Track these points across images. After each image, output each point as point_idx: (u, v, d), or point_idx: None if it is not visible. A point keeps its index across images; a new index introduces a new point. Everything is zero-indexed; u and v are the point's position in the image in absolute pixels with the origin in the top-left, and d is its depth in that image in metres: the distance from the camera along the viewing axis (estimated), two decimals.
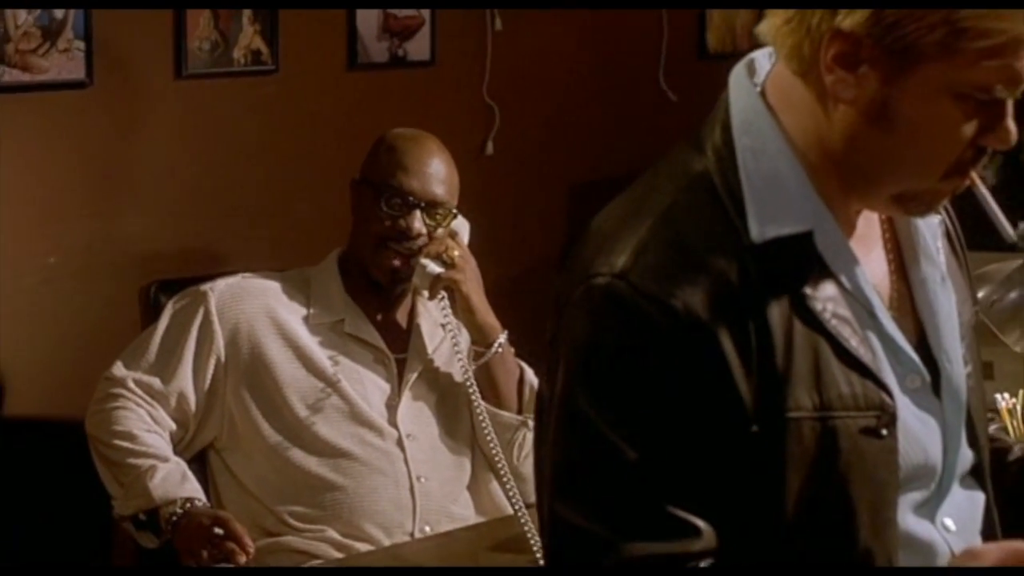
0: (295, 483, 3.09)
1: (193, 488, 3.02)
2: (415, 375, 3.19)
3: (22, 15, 3.55)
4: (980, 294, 2.85)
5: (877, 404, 1.73)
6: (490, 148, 4.40)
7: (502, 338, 3.20)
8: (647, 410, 1.68)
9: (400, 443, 3.13)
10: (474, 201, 4.33)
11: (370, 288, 3.22)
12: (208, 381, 3.12)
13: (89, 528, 3.55)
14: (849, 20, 1.67)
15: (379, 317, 3.23)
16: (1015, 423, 3.00)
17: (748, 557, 1.71)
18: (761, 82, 1.80)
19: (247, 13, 3.89)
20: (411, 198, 3.15)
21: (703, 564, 1.69)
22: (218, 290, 3.17)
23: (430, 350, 3.22)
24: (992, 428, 2.11)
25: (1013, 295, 2.84)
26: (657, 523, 1.68)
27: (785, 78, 1.77)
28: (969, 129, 1.70)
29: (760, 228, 1.71)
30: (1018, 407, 3.02)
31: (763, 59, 1.83)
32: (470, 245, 3.25)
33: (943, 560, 1.79)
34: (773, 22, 1.74)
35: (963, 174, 1.74)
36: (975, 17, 1.65)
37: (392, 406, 3.16)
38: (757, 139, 1.76)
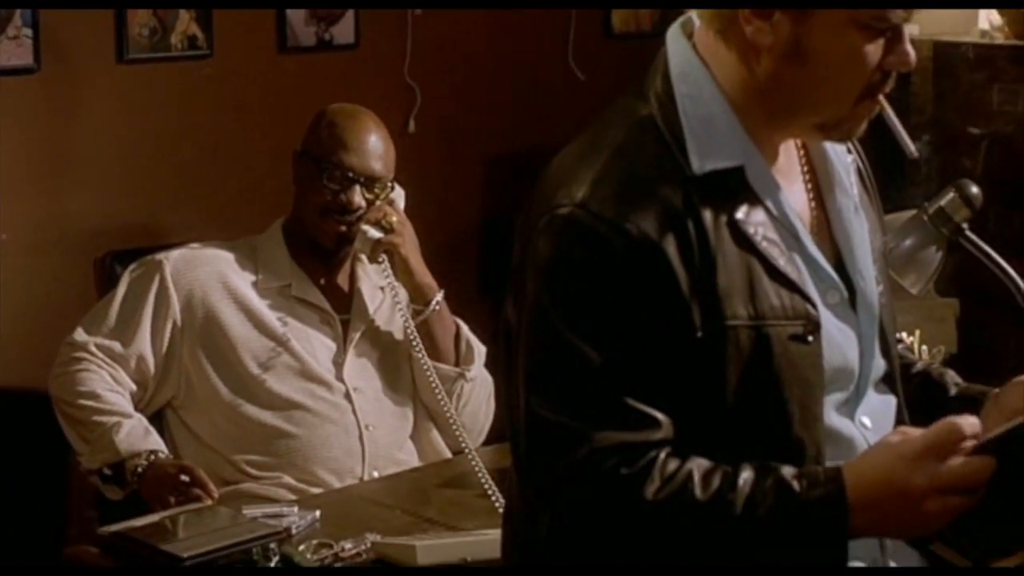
0: (251, 435, 3.23)
1: (156, 441, 3.16)
2: (358, 334, 3.35)
3: None
4: None
5: (803, 314, 1.96)
6: (412, 126, 4.49)
7: (439, 296, 3.38)
8: (608, 319, 1.89)
9: (348, 396, 3.29)
10: (398, 175, 4.42)
11: (314, 253, 3.37)
12: (165, 344, 3.25)
13: (47, 488, 3.70)
14: None
15: (323, 281, 3.38)
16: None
17: (698, 445, 1.92)
18: (694, 40, 2.03)
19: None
20: (351, 174, 3.30)
21: (663, 451, 1.90)
22: (172, 258, 3.30)
23: (371, 310, 3.38)
24: (899, 348, 2.35)
25: (908, 242, 2.99)
26: (622, 415, 1.89)
27: (709, 36, 2.00)
28: (873, 55, 1.93)
29: (700, 162, 1.94)
30: (915, 344, 3.26)
31: (697, 19, 2.04)
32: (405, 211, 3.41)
33: (862, 450, 2.01)
34: None
35: (873, 97, 1.97)
36: None
37: (339, 363, 3.32)
38: (693, 87, 1.98)
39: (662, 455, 1.91)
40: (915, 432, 1.93)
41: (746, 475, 1.89)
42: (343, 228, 3.32)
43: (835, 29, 1.92)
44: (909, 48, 1.97)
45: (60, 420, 3.24)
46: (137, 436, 3.15)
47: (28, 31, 3.76)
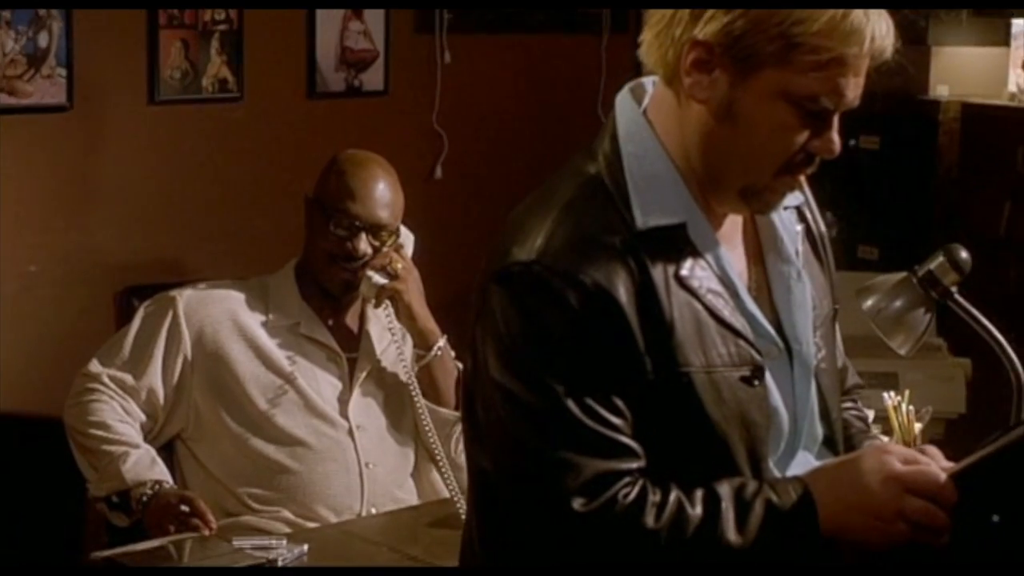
0: (255, 468, 3.31)
1: (161, 471, 3.24)
2: (364, 373, 3.42)
3: (9, 43, 3.78)
4: (868, 303, 3.07)
5: (749, 360, 2.04)
6: (439, 172, 4.58)
7: (441, 342, 3.43)
8: (570, 360, 1.96)
9: (351, 433, 3.36)
10: (423, 221, 4.51)
11: (323, 294, 3.44)
12: (176, 378, 3.33)
13: (64, 513, 3.73)
14: (704, 30, 1.97)
15: (331, 320, 3.45)
16: (899, 418, 3.26)
17: (661, 475, 1.99)
18: (645, 104, 2.11)
19: (215, 45, 4.11)
20: (357, 223, 3.36)
21: (646, 481, 1.98)
22: (185, 296, 3.39)
23: (378, 351, 3.45)
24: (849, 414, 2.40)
25: (897, 304, 3.03)
26: (605, 447, 1.97)
27: (659, 92, 2.08)
28: (799, 134, 1.99)
29: (643, 218, 2.01)
30: (903, 405, 3.29)
31: (648, 85, 2.13)
32: (416, 257, 3.47)
33: None
34: (646, 37, 2.05)
35: (793, 174, 2.03)
36: (807, 34, 1.94)
37: (344, 400, 3.39)
38: (639, 147, 2.06)
39: (648, 484, 1.99)
40: (898, 449, 2.02)
41: (723, 490, 1.98)
42: (348, 275, 3.38)
43: (766, 98, 1.98)
44: (835, 136, 2.02)
45: (72, 448, 3.33)
46: (143, 466, 3.23)
47: (62, 70, 3.88)
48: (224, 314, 3.39)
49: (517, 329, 1.99)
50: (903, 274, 3.01)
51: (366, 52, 4.43)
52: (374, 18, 4.42)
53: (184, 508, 3.11)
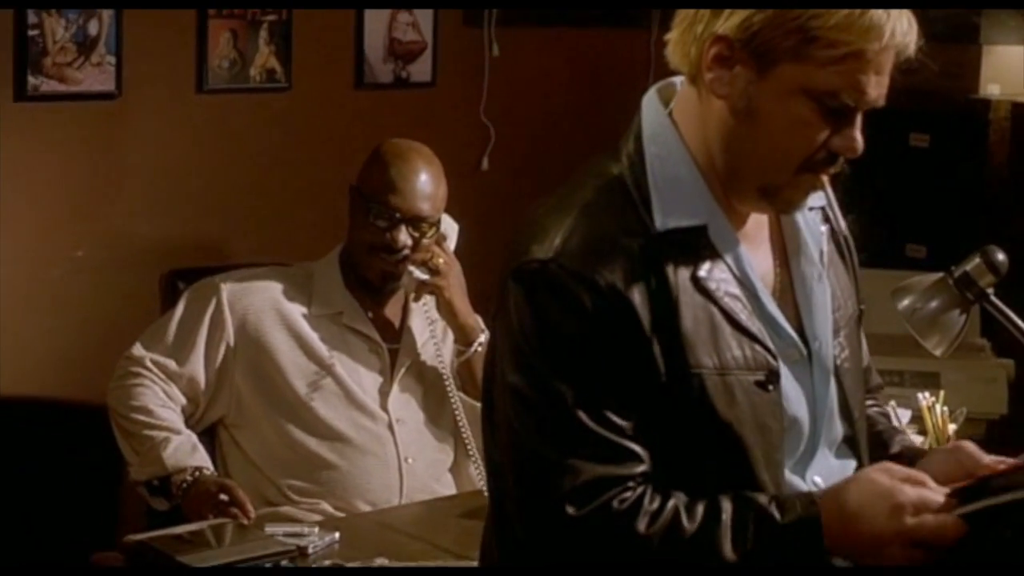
0: (295, 459, 3.33)
1: (202, 458, 3.26)
2: (404, 368, 3.43)
3: (60, 31, 3.83)
4: (903, 303, 3.06)
5: (764, 365, 2.05)
6: (485, 164, 4.60)
7: (482, 338, 3.43)
8: (580, 362, 1.98)
9: (390, 426, 3.37)
10: (470, 213, 4.52)
11: (366, 283, 3.44)
12: (218, 364, 3.35)
13: (105, 497, 3.87)
14: (725, 25, 1.99)
15: (373, 312, 3.45)
16: (933, 419, 3.26)
17: (670, 480, 2.01)
18: (672, 105, 2.12)
19: (263, 35, 4.14)
20: (397, 215, 3.35)
21: (647, 487, 1.99)
22: (230, 282, 3.40)
23: (419, 344, 3.46)
24: (909, 429, 2.40)
25: (933, 304, 3.02)
26: (607, 450, 1.98)
27: (684, 91, 2.09)
28: (819, 131, 1.99)
29: (662, 219, 2.03)
30: (937, 405, 3.29)
31: (678, 84, 2.13)
32: (462, 248, 3.48)
33: None
34: (672, 36, 2.06)
35: (815, 172, 2.03)
36: (825, 28, 1.95)
37: (384, 392, 3.40)
38: (663, 148, 2.07)
39: (647, 491, 2.00)
40: (899, 469, 2.02)
41: (726, 504, 1.99)
42: (388, 266, 3.38)
43: (784, 94, 1.98)
44: (857, 135, 2.01)
45: (115, 431, 3.35)
46: (184, 452, 3.25)
47: (111, 58, 3.92)
48: (267, 302, 3.40)
49: (529, 328, 2.01)
50: (939, 275, 3.00)
51: (414, 44, 4.44)
52: (423, 10, 4.44)
53: (223, 497, 3.13)
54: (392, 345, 3.45)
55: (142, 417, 3.30)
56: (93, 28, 3.88)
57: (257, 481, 3.34)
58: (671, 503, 1.99)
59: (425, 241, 3.39)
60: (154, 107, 4.05)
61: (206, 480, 3.20)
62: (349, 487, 3.33)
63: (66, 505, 3.93)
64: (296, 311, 3.41)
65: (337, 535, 2.97)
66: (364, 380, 3.41)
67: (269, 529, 2.96)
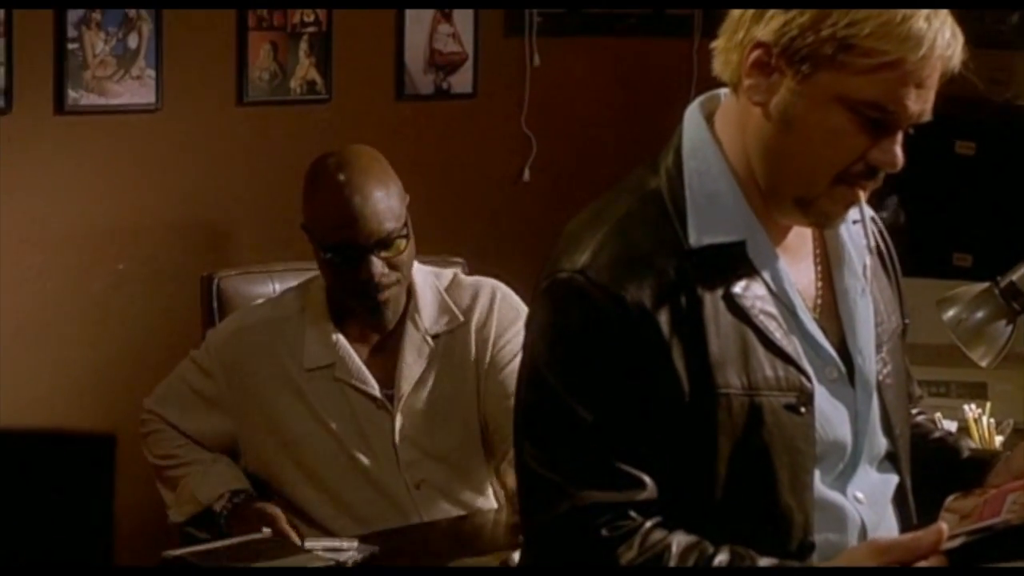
0: (321, 508, 3.15)
1: (236, 478, 3.12)
2: (409, 415, 3.14)
3: (99, 44, 3.83)
4: (949, 313, 3.04)
5: (797, 386, 2.01)
6: (527, 175, 4.58)
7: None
8: (599, 382, 1.96)
9: (408, 490, 3.13)
10: (511, 224, 4.55)
11: (354, 320, 3.14)
12: (228, 432, 3.18)
13: (142, 516, 3.79)
14: (764, 31, 1.96)
15: (368, 350, 3.16)
16: (980, 431, 3.23)
17: (689, 509, 1.99)
18: (714, 118, 2.09)
19: (303, 47, 4.14)
20: (355, 247, 2.99)
21: (649, 520, 1.96)
22: (219, 344, 3.18)
23: (415, 379, 3.15)
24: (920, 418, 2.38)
25: (979, 315, 3.00)
26: (608, 475, 1.96)
27: (727, 102, 2.07)
28: (857, 142, 1.96)
29: (697, 236, 2.00)
30: (984, 417, 3.25)
31: (722, 96, 2.10)
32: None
33: (853, 521, 2.07)
34: (718, 43, 2.04)
35: (851, 185, 1.99)
36: (861, 36, 1.91)
37: (395, 447, 3.12)
38: (703, 163, 2.04)
39: (648, 524, 1.97)
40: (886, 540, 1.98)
41: (722, 557, 1.95)
42: (371, 303, 3.07)
43: (821, 102, 1.95)
44: (897, 150, 1.98)
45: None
46: (214, 480, 3.13)
47: (151, 71, 3.93)
48: (262, 364, 3.15)
49: (550, 340, 2.00)
50: (985, 285, 2.97)
51: (455, 55, 4.44)
52: (463, 21, 4.43)
53: (265, 530, 2.96)
54: (387, 391, 3.14)
55: (166, 462, 3.21)
56: (133, 41, 3.89)
57: (312, 500, 3.18)
58: (667, 541, 1.97)
59: (403, 257, 3.06)
60: (194, 120, 4.05)
61: (248, 511, 3.07)
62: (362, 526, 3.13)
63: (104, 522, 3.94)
64: (293, 367, 3.14)
65: (377, 549, 2.94)
66: (375, 446, 3.14)
67: (308, 544, 2.94)
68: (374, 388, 3.14)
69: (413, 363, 3.16)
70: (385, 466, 3.15)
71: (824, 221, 2.06)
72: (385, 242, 3.01)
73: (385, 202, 3.01)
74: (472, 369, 3.17)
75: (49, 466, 3.93)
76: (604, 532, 1.96)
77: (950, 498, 2.04)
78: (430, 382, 3.17)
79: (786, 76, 1.96)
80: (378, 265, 3.01)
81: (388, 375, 3.15)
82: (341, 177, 3.02)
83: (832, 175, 1.98)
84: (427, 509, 3.15)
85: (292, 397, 3.14)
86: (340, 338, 3.13)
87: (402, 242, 3.03)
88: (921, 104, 1.96)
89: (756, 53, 1.97)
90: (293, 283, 3.32)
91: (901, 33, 1.91)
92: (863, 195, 2.02)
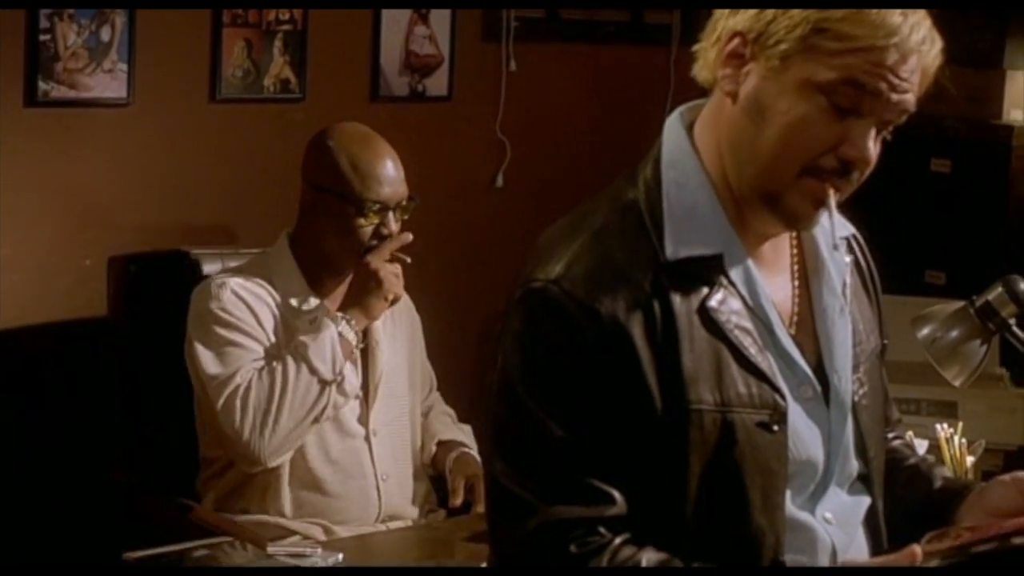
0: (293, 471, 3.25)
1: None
2: (380, 371, 3.35)
3: (72, 37, 3.79)
4: (923, 332, 3.02)
5: (770, 404, 1.98)
6: (500, 180, 4.56)
7: None
8: (570, 395, 1.93)
9: (367, 439, 3.31)
10: (484, 230, 4.53)
11: (326, 272, 3.33)
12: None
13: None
14: (739, 19, 1.94)
15: (339, 306, 3.31)
16: (951, 450, 3.21)
17: (659, 526, 1.95)
18: (694, 127, 2.05)
19: (278, 45, 4.11)
20: (384, 204, 3.27)
21: (619, 536, 1.93)
22: (227, 288, 3.28)
23: (387, 342, 3.38)
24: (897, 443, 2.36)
25: (954, 334, 2.98)
26: (578, 490, 1.93)
27: (707, 105, 2.03)
28: (828, 131, 1.92)
29: (674, 248, 1.97)
30: (955, 437, 3.23)
31: (702, 107, 2.07)
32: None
33: (823, 543, 2.03)
34: (700, 45, 2.01)
35: (819, 178, 1.94)
36: (835, 19, 1.89)
37: (360, 401, 3.31)
38: (682, 174, 2.01)
39: (617, 540, 1.94)
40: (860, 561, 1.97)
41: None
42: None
43: (792, 89, 1.92)
44: (869, 144, 1.94)
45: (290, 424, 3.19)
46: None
47: (123, 65, 3.89)
48: (263, 315, 3.29)
49: (522, 351, 1.97)
50: (960, 303, 2.96)
51: (431, 57, 4.42)
52: (440, 23, 4.41)
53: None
54: (361, 345, 3.33)
55: (268, 405, 3.16)
56: (106, 35, 3.85)
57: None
58: (636, 557, 1.94)
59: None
60: (166, 116, 4.02)
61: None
62: (331, 510, 3.26)
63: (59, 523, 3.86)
64: (272, 310, 3.30)
65: (341, 556, 2.91)
66: (347, 390, 3.29)
67: (271, 549, 2.91)
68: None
69: (384, 321, 3.38)
70: (351, 413, 3.30)
71: (794, 221, 2.01)
72: (402, 204, 3.31)
73: (400, 170, 3.33)
74: (415, 339, 3.48)
75: None
76: (573, 548, 1.93)
77: (924, 539, 2.01)
78: (396, 340, 3.42)
79: (760, 64, 1.93)
80: (393, 221, 3.29)
81: (365, 333, 3.34)
82: (375, 142, 3.37)
83: (799, 165, 1.94)
84: (383, 464, 3.30)
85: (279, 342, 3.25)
86: (313, 295, 3.32)
87: (411, 205, 3.32)
88: (897, 95, 1.92)
89: (732, 43, 1.95)
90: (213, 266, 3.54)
91: (875, 20, 1.89)
92: (833, 194, 1.96)
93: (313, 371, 3.16)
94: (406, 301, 3.44)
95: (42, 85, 3.78)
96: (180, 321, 3.32)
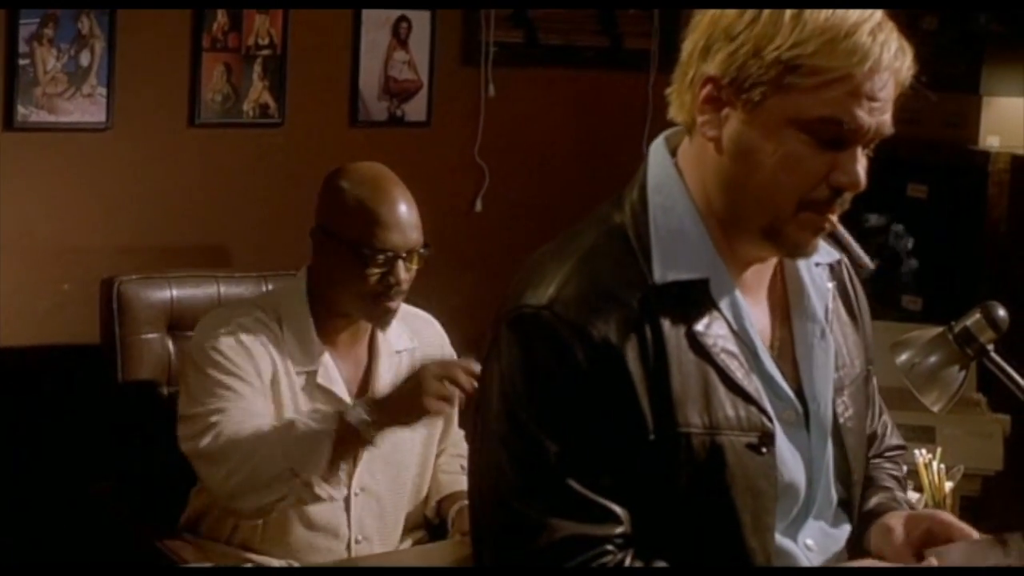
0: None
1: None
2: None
3: (51, 61, 3.79)
4: (902, 357, 3.02)
5: (759, 426, 1.99)
6: (479, 205, 4.56)
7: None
8: (571, 417, 1.94)
9: (347, 500, 3.16)
10: (462, 255, 4.52)
11: (335, 318, 3.20)
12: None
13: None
14: (711, 64, 1.94)
15: (344, 358, 3.23)
16: (930, 476, 3.21)
17: (655, 546, 1.96)
18: (677, 154, 2.06)
19: (257, 69, 4.11)
20: (393, 253, 3.12)
21: (628, 553, 1.95)
22: (225, 343, 3.12)
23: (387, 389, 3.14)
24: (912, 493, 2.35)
25: (932, 359, 2.97)
26: (584, 508, 1.94)
27: (687, 142, 2.04)
28: (817, 164, 1.93)
29: (662, 272, 1.98)
30: (934, 463, 3.24)
31: (684, 132, 2.07)
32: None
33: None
34: (672, 88, 2.01)
35: (819, 212, 1.95)
36: (807, 55, 1.89)
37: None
38: (667, 199, 2.02)
39: (627, 558, 1.95)
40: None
41: None
42: (393, 305, 3.18)
43: (773, 128, 1.92)
44: (858, 169, 1.95)
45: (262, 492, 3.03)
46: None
47: (103, 90, 3.89)
48: (263, 361, 3.15)
49: (520, 376, 1.97)
50: (939, 329, 2.97)
51: (410, 82, 4.42)
52: (419, 48, 4.41)
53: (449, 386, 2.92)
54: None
55: (257, 453, 3.01)
56: (85, 59, 3.85)
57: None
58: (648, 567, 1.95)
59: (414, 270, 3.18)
60: (145, 140, 4.02)
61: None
62: (296, 556, 3.14)
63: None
64: (274, 363, 3.16)
65: None
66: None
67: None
68: (346, 394, 3.19)
69: (385, 373, 3.24)
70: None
71: (796, 250, 2.02)
72: (413, 252, 3.16)
73: (414, 215, 3.17)
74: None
75: None
76: (591, 567, 1.93)
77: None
78: None
79: (736, 108, 1.94)
80: (403, 269, 3.14)
81: (363, 384, 3.23)
82: (387, 184, 3.19)
83: (795, 201, 1.95)
84: (360, 526, 3.17)
85: (269, 397, 3.12)
86: (322, 346, 3.19)
87: (426, 254, 3.18)
88: (876, 117, 1.93)
89: (706, 89, 1.95)
90: (192, 291, 3.47)
91: (847, 48, 1.89)
92: (833, 220, 1.98)
93: (286, 456, 2.98)
94: (440, 344, 3.32)
95: (21, 109, 3.79)
96: (163, 343, 3.30)
